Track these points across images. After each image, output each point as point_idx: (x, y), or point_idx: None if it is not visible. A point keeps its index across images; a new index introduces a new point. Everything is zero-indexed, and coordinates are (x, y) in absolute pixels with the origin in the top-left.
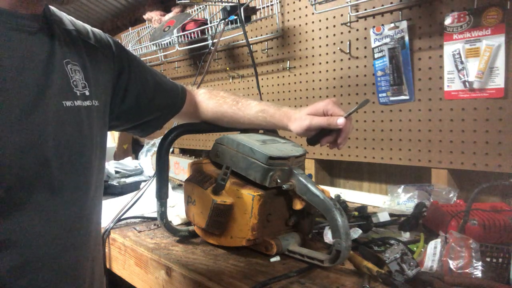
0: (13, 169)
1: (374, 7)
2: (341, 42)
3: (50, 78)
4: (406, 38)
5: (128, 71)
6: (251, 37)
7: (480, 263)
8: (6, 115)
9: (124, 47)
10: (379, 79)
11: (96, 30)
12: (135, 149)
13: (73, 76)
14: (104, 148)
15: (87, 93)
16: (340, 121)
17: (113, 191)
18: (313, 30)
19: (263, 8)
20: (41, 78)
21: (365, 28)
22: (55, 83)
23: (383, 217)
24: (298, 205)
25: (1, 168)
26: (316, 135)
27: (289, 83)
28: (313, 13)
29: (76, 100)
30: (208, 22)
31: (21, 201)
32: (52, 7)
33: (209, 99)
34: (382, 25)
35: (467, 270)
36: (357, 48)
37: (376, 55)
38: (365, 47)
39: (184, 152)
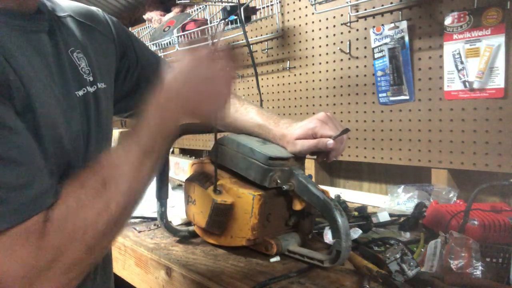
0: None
1: (374, 7)
2: (341, 42)
3: (63, 73)
4: (406, 38)
5: (130, 52)
6: (251, 37)
7: (480, 263)
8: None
9: (123, 26)
10: (379, 79)
11: (92, 8)
12: None
13: (80, 63)
14: (111, 133)
15: (91, 78)
16: (330, 144)
17: None
18: (313, 30)
19: (263, 8)
20: (56, 76)
21: (365, 28)
22: (68, 76)
23: (383, 217)
24: (298, 206)
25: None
26: (312, 153)
27: (289, 83)
28: (313, 13)
29: (86, 86)
30: (208, 22)
31: None
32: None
33: None
34: (382, 25)
35: (467, 270)
36: (357, 48)
37: (376, 55)
38: (365, 47)
39: (184, 152)
